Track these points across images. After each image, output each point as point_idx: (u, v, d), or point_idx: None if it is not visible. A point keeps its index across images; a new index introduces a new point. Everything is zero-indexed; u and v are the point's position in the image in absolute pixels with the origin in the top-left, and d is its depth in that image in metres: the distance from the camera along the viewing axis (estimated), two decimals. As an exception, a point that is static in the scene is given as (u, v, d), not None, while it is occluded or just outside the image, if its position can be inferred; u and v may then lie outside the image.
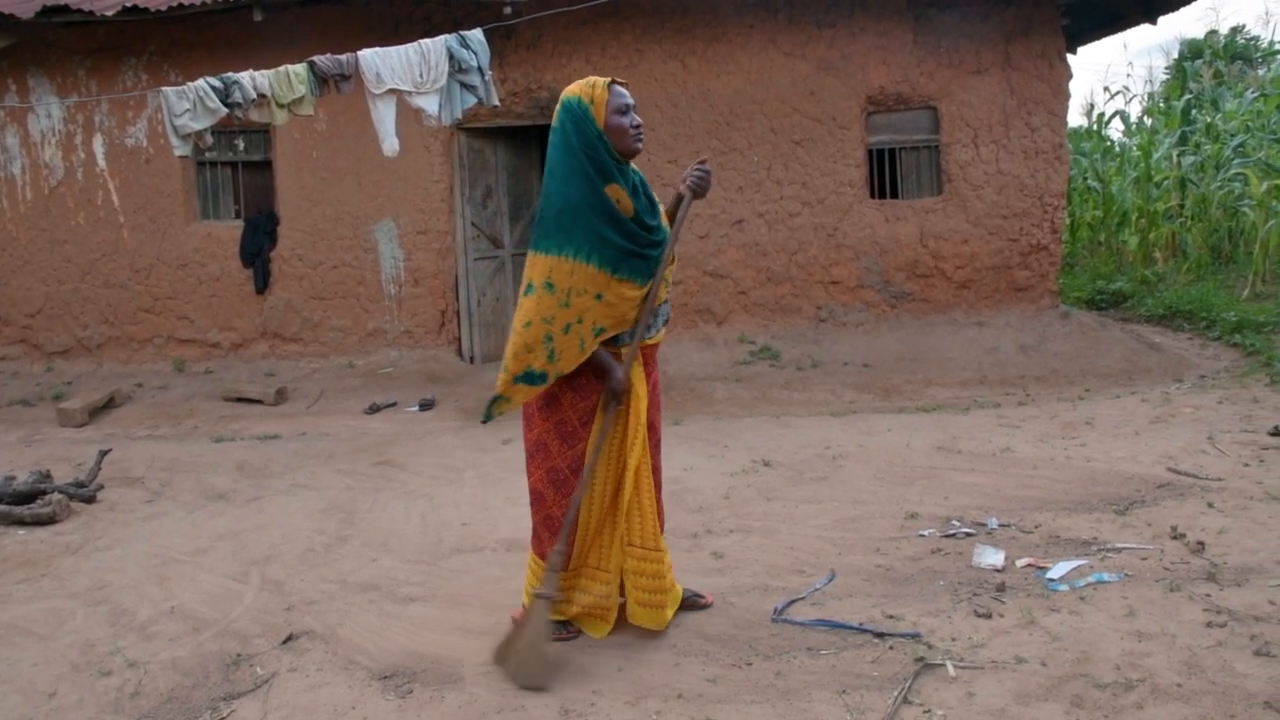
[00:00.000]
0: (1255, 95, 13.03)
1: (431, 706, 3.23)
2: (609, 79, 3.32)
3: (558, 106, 3.32)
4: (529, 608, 3.50)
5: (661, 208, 3.55)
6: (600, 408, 3.46)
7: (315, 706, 3.27)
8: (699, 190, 3.48)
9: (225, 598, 4.26)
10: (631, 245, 3.29)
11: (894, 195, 9.46)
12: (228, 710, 3.27)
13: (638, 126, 3.33)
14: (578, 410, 3.46)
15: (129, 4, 8.14)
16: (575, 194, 3.24)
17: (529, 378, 3.36)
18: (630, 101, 3.33)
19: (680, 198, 3.51)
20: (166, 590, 4.38)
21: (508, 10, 8.12)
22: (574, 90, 3.30)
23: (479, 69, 7.03)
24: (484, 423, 3.64)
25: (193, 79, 6.78)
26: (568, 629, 3.65)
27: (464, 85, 7.03)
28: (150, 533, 5.22)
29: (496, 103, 7.49)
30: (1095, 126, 15.78)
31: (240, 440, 7.40)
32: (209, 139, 6.83)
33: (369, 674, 3.49)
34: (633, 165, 3.41)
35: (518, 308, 3.35)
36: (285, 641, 3.78)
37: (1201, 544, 4.25)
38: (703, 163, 3.49)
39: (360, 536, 5.04)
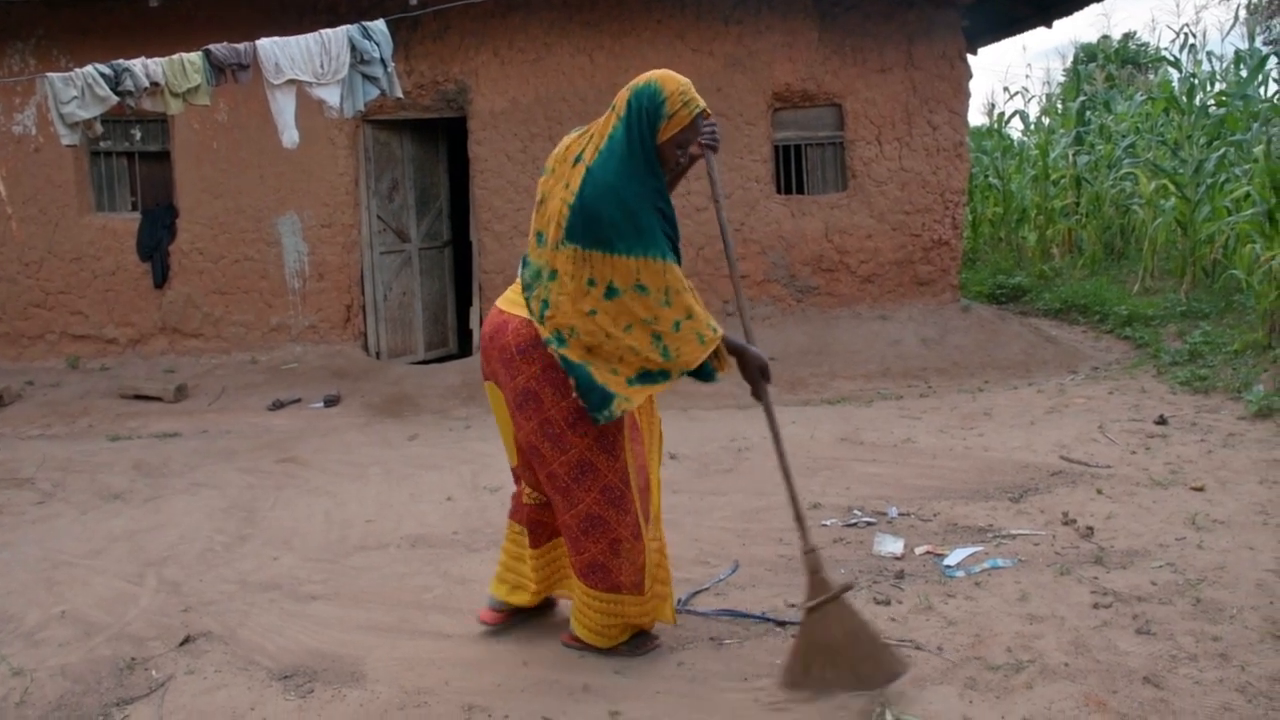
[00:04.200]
0: (1144, 99, 13.48)
1: (333, 705, 3.19)
2: (703, 107, 3.07)
3: (641, 87, 3.04)
4: (813, 616, 3.12)
5: None
6: (754, 393, 3.33)
7: (213, 709, 3.20)
8: (715, 145, 3.25)
9: (119, 601, 4.14)
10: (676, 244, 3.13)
11: (800, 191, 9.59)
12: (121, 716, 3.19)
13: (681, 169, 3.22)
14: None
15: (15, -13, 7.85)
16: (647, 190, 3.02)
17: (648, 378, 3.10)
18: (698, 142, 3.15)
19: (694, 159, 3.31)
20: (57, 594, 4.24)
21: (413, 1, 8.03)
22: (666, 87, 3.03)
23: (381, 60, 6.93)
24: (596, 422, 3.11)
25: (84, 65, 6.56)
26: (653, 638, 3.47)
27: (366, 76, 6.92)
28: (40, 535, 5.05)
29: (400, 94, 7.40)
30: (996, 125, 16.17)
31: (138, 439, 7.20)
32: (99, 128, 6.59)
33: (269, 674, 3.43)
34: None
35: (599, 312, 3.02)
36: (182, 644, 3.69)
37: (1090, 529, 4.41)
38: (705, 117, 3.16)
39: (261, 535, 4.94)
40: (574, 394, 3.09)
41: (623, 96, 3.07)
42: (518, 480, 3.54)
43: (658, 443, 3.48)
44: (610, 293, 3.01)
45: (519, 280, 3.25)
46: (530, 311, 3.14)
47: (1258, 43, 11.30)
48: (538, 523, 3.49)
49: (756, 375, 3.29)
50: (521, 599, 3.58)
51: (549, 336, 3.08)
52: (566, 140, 3.18)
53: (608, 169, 3.00)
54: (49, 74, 6.50)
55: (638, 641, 3.43)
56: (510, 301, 3.25)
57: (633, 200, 2.98)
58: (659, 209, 3.04)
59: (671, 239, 3.07)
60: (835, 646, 3.07)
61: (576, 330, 3.05)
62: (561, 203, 3.05)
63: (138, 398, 8.35)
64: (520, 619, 3.66)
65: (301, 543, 4.81)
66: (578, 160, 3.07)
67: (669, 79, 3.05)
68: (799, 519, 3.30)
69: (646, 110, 3.01)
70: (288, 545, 4.78)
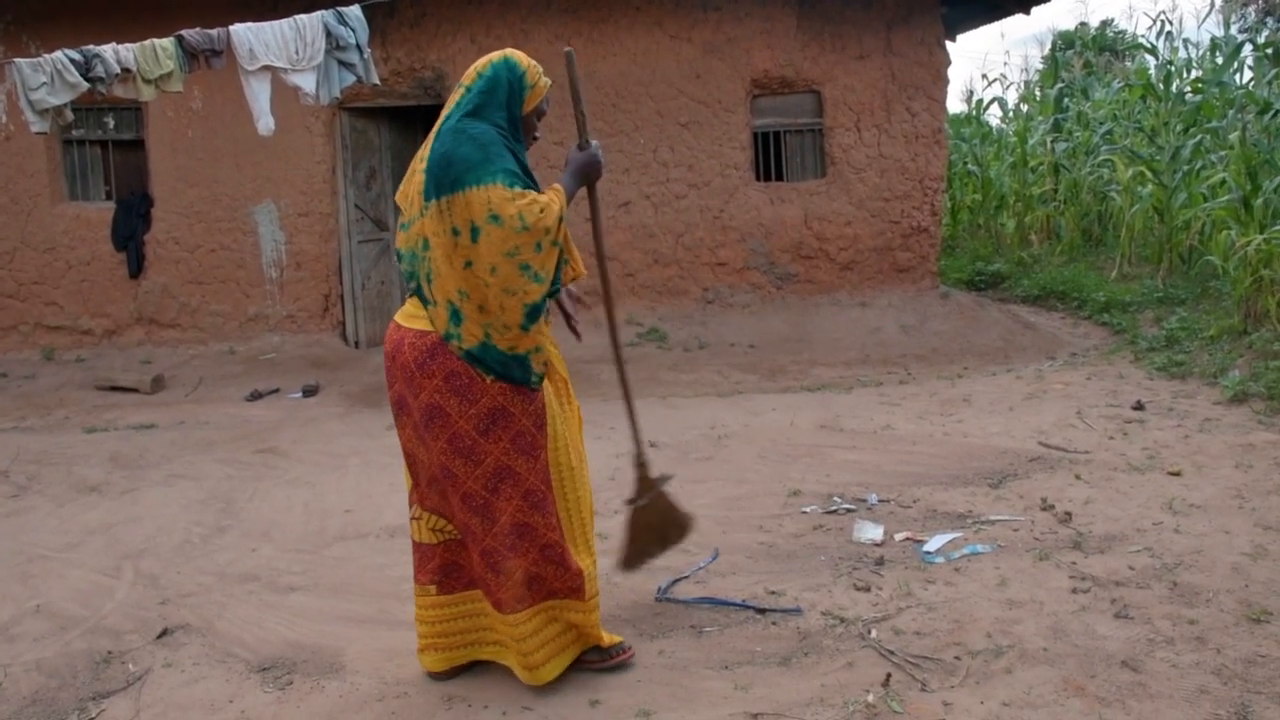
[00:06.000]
0: (1121, 86, 13.52)
1: (312, 697, 3.17)
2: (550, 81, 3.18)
3: (498, 60, 3.06)
4: (639, 508, 3.59)
5: None
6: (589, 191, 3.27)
7: (191, 702, 3.18)
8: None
9: (96, 594, 4.11)
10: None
11: (779, 178, 9.59)
12: (97, 710, 3.16)
13: (537, 136, 3.24)
14: (531, 415, 3.02)
15: (-17, -28, 7.74)
16: (494, 131, 2.97)
17: (534, 313, 2.93)
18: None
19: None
20: (32, 588, 4.20)
21: (390, -13, 7.96)
22: (523, 62, 3.08)
23: (357, 46, 6.86)
24: (534, 386, 3.01)
25: (54, 51, 6.46)
26: (624, 649, 3.28)
27: (342, 63, 6.85)
28: (15, 529, 5.00)
29: (376, 81, 7.33)
30: (974, 112, 16.21)
31: (114, 430, 7.13)
32: (70, 115, 6.51)
33: (247, 666, 3.41)
34: None
35: (473, 260, 2.88)
36: (160, 636, 3.66)
37: (1069, 514, 4.43)
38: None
39: (240, 526, 4.91)
40: (483, 399, 2.95)
41: (471, 74, 3.06)
42: (419, 546, 3.22)
43: (578, 429, 3.33)
44: (475, 234, 2.86)
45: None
46: (422, 297, 3.01)
47: (1233, 30, 11.36)
48: (451, 564, 3.18)
49: (587, 174, 3.22)
50: (427, 661, 3.22)
51: (447, 324, 2.94)
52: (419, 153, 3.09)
53: (454, 118, 2.99)
54: (17, 60, 6.41)
55: (608, 651, 3.24)
56: (407, 315, 3.07)
57: (482, 135, 2.93)
58: (512, 150, 2.98)
59: (527, 180, 3.00)
60: (654, 525, 3.61)
61: (466, 292, 2.90)
62: (419, 174, 2.99)
63: (114, 389, 8.28)
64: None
65: (280, 534, 4.77)
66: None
67: (520, 54, 3.12)
68: (634, 429, 3.63)
69: (511, 82, 3.04)
70: (266, 536, 4.75)
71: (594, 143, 3.24)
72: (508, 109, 3.04)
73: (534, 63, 3.14)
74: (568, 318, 3.43)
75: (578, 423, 3.32)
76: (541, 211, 2.88)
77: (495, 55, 3.10)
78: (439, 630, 3.19)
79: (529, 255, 2.87)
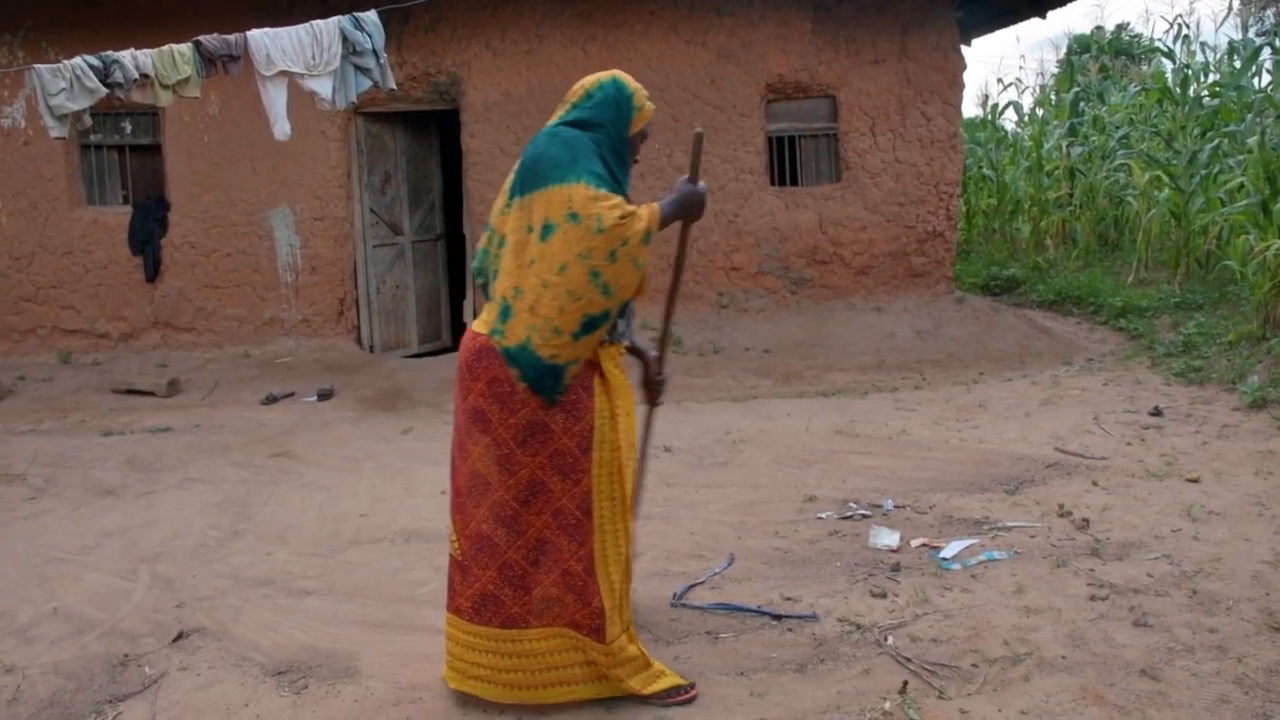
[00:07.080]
0: (1137, 90, 13.47)
1: (327, 701, 3.17)
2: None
3: (607, 80, 3.07)
4: None
5: None
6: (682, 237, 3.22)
7: (206, 706, 3.18)
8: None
9: (112, 597, 4.12)
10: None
11: (793, 182, 9.57)
12: (114, 713, 3.17)
13: (637, 160, 3.22)
14: (574, 436, 2.93)
15: (3, -21, 7.79)
16: (587, 138, 2.97)
17: (590, 325, 2.85)
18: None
19: None
20: (49, 591, 4.21)
21: (405, -8, 7.98)
22: (630, 84, 3.08)
23: (374, 51, 6.89)
24: (553, 403, 2.90)
25: (73, 57, 6.51)
26: (683, 690, 3.07)
27: (358, 68, 6.87)
28: (32, 531, 5.02)
29: (393, 86, 7.35)
30: (989, 117, 16.15)
31: (130, 434, 7.15)
32: (88, 120, 6.55)
33: (263, 670, 3.41)
34: None
35: (537, 259, 2.84)
36: (175, 640, 3.67)
37: (1086, 521, 4.41)
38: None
39: (255, 530, 4.91)
40: (522, 410, 2.89)
41: (578, 92, 3.09)
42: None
43: (631, 434, 3.17)
44: (546, 231, 2.83)
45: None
46: (486, 294, 3.04)
47: (1251, 33, 11.30)
48: (449, 579, 3.13)
49: (690, 208, 3.12)
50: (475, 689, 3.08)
51: (495, 320, 2.93)
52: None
53: (553, 125, 3.04)
54: (37, 66, 6.46)
55: (668, 692, 3.06)
56: (479, 320, 3.06)
57: (573, 139, 2.95)
58: (604, 159, 2.96)
59: (614, 186, 2.96)
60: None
61: (521, 290, 2.87)
62: (511, 174, 3.04)
63: (130, 392, 8.31)
64: None
65: (295, 538, 4.78)
66: None
67: (627, 76, 3.12)
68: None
69: (620, 102, 3.05)
70: (281, 540, 4.75)
71: (702, 184, 3.16)
72: (615, 128, 3.03)
73: (640, 85, 3.14)
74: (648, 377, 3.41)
75: (633, 427, 3.18)
76: (623, 218, 2.81)
77: (604, 75, 3.11)
78: (446, 648, 3.16)
79: (600, 262, 2.80)
